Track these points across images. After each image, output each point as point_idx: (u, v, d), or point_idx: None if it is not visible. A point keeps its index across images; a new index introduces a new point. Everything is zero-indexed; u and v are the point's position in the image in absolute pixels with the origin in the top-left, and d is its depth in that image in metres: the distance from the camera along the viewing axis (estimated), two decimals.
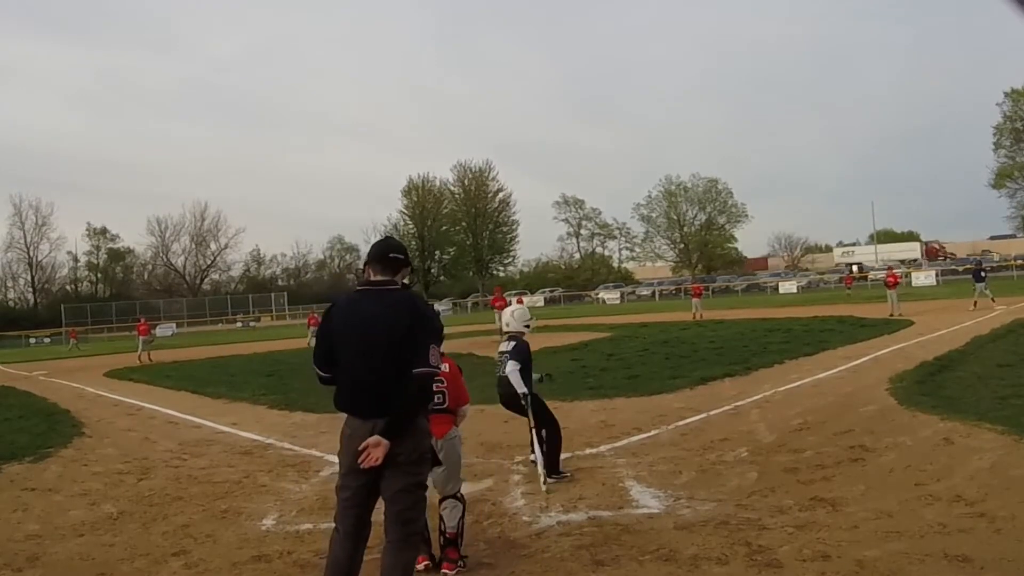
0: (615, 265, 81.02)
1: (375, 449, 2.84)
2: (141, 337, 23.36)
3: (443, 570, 3.84)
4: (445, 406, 4.10)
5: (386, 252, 3.10)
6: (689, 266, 73.04)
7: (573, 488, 5.22)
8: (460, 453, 4.19)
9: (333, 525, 3.10)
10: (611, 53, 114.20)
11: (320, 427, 8.16)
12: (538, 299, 58.35)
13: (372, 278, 3.11)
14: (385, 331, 2.93)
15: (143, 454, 7.31)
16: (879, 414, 6.92)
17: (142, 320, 25.30)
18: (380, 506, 3.05)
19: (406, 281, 3.22)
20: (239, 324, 60.88)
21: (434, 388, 3.67)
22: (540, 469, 5.25)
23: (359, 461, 2.86)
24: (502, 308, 22.98)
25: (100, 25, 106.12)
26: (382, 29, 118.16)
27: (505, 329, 5.92)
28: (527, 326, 5.82)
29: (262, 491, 5.67)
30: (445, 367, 4.00)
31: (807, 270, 68.46)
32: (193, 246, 77.30)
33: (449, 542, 3.93)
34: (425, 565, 3.87)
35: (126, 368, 19.32)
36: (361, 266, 3.49)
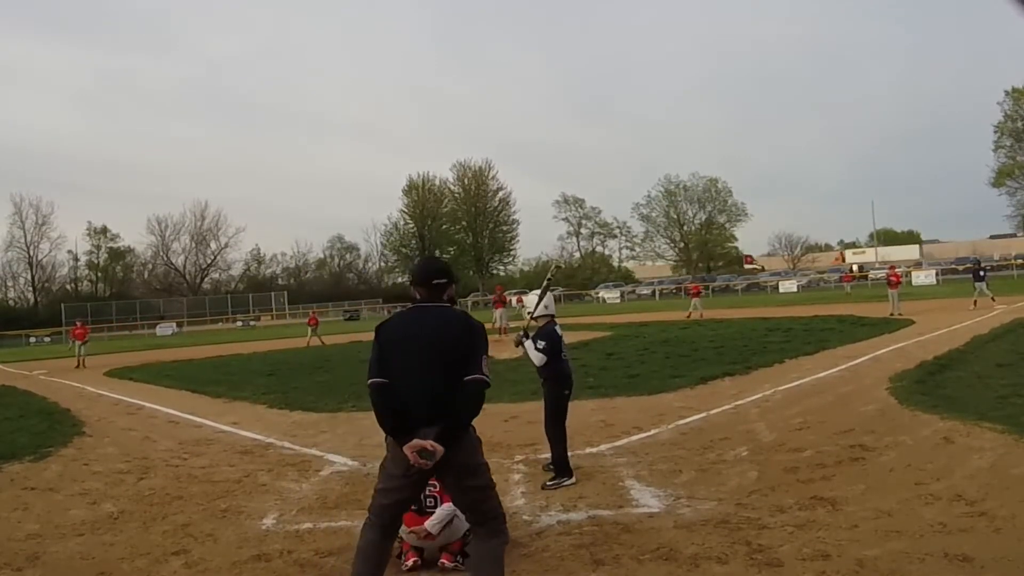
0: (615, 264, 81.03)
1: (429, 451, 2.87)
2: (78, 342, 22.77)
3: (442, 560, 3.86)
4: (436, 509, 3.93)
5: (430, 279, 3.19)
6: (689, 265, 73.11)
7: (573, 487, 5.21)
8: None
9: (348, 522, 3.23)
10: (611, 53, 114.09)
11: (320, 426, 8.13)
12: None
13: (421, 299, 3.20)
14: (444, 345, 3.04)
15: (143, 453, 7.31)
16: (879, 413, 6.92)
17: (78, 324, 24.19)
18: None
19: (452, 295, 3.27)
20: (239, 323, 60.88)
21: (426, 492, 3.80)
22: None
23: (411, 463, 2.90)
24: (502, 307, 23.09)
25: (100, 25, 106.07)
26: (382, 29, 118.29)
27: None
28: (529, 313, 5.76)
29: (262, 490, 5.66)
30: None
31: (807, 269, 68.43)
32: (193, 245, 77.44)
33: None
34: (414, 562, 3.86)
35: (126, 367, 19.31)
36: (407, 282, 3.51)
